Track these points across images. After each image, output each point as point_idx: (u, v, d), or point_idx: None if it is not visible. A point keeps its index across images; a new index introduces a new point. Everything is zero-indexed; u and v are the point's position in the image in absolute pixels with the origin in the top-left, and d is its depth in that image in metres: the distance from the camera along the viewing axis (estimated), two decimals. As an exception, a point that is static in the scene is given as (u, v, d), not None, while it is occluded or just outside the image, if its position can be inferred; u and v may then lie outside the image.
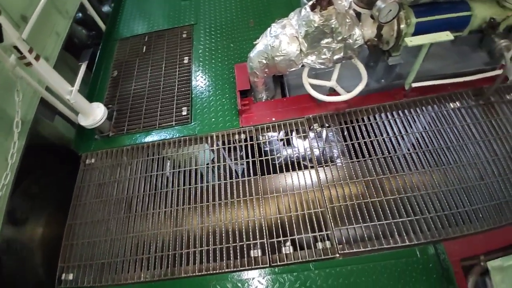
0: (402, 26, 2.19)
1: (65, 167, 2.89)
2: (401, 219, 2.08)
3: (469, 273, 1.95)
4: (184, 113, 2.85)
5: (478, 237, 2.01)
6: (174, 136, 2.72)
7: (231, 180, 2.38)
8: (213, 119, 2.76)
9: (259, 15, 3.55)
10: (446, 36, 2.11)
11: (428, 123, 2.51)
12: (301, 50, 2.29)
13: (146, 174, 2.55)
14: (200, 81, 3.07)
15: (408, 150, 2.39)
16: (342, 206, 2.17)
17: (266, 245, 2.10)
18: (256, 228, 2.17)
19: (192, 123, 2.77)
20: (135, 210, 2.39)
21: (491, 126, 2.41)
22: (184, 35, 3.51)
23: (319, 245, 2.07)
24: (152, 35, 3.58)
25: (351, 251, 2.02)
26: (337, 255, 2.02)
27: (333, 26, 2.12)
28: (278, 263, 2.03)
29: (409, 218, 2.08)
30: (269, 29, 2.41)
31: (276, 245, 2.14)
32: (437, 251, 1.96)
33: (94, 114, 2.65)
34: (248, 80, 2.73)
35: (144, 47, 3.47)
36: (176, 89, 3.03)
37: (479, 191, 2.16)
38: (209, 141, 2.65)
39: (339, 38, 2.21)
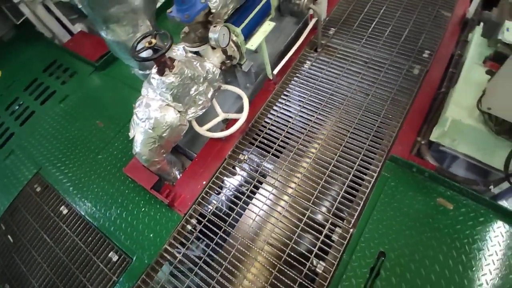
0: (235, 39, 2.38)
1: None
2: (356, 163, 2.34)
3: (421, 155, 2.39)
4: (115, 259, 2.30)
5: (402, 131, 2.47)
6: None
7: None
8: (151, 235, 2.33)
9: (100, 113, 3.18)
10: (269, 25, 2.44)
11: (303, 91, 2.86)
12: (179, 111, 2.19)
13: None
14: (104, 216, 2.53)
15: (317, 107, 2.67)
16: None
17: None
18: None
19: (134, 260, 2.26)
20: None
21: (339, 60, 2.97)
22: (38, 189, 2.81)
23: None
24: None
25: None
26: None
27: (190, 75, 2.11)
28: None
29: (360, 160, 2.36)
30: (134, 117, 2.20)
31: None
32: (397, 161, 2.31)
33: None
34: (150, 172, 2.43)
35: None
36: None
37: (373, 104, 2.65)
38: (167, 258, 2.23)
39: (201, 80, 2.23)
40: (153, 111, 2.10)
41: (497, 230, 2.01)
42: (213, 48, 2.25)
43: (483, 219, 2.06)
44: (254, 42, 2.35)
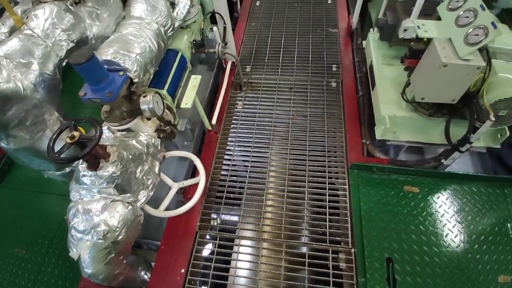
0: (164, 102, 2.17)
1: None
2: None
3: (370, 154, 2.56)
4: None
5: (349, 139, 2.63)
6: None
7: None
8: None
9: (16, 237, 2.41)
10: (195, 79, 2.32)
11: (247, 131, 2.80)
12: (130, 203, 1.81)
13: None
14: None
15: (268, 142, 2.62)
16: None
17: None
18: None
19: None
20: None
21: (266, 92, 3.04)
22: None
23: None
24: None
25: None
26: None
27: (130, 156, 1.78)
28: None
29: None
30: (72, 232, 1.70)
31: None
32: (358, 167, 2.41)
33: None
34: (112, 289, 1.90)
35: None
36: None
37: (314, 122, 2.77)
38: None
39: (144, 157, 1.91)
40: (98, 216, 1.66)
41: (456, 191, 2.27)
42: (148, 119, 1.98)
43: (443, 189, 2.30)
44: (188, 100, 2.19)
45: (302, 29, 3.66)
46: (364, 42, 2.99)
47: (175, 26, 2.36)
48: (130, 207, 1.79)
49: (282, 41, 3.54)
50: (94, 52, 1.64)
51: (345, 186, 2.36)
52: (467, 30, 1.64)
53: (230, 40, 3.00)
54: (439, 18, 2.12)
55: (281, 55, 3.38)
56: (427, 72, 1.85)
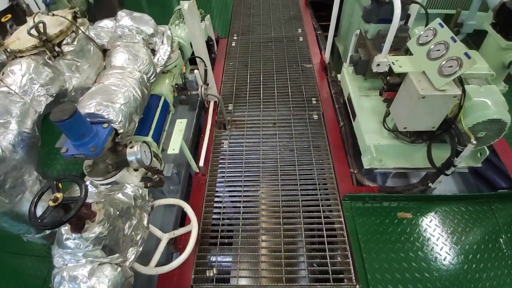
0: (152, 150, 2.10)
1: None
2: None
3: (359, 182, 2.58)
4: None
5: (337, 170, 2.65)
6: None
7: None
8: None
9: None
10: (181, 123, 2.29)
11: (236, 170, 2.76)
12: (119, 264, 1.65)
13: None
14: None
15: (258, 180, 2.57)
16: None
17: None
18: None
19: None
20: None
21: (250, 129, 3.06)
22: None
23: None
24: None
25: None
26: None
27: (118, 213, 1.66)
28: None
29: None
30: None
31: None
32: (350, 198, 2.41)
33: None
34: None
35: None
36: None
37: (301, 156, 2.79)
38: None
39: (132, 211, 1.79)
40: (85, 283, 1.49)
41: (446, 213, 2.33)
42: (135, 170, 1.89)
43: (434, 211, 2.35)
44: (175, 146, 2.14)
45: (279, 66, 3.81)
46: (338, 75, 3.15)
47: (157, 72, 2.37)
48: (119, 268, 1.63)
49: (261, 78, 3.65)
50: (76, 105, 1.58)
51: (340, 219, 2.33)
52: (440, 63, 1.77)
53: (211, 81, 3.04)
54: (407, 50, 2.30)
55: (261, 92, 3.46)
56: (406, 103, 1.95)
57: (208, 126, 2.95)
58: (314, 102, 3.31)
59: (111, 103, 1.77)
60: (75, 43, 1.90)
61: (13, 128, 1.51)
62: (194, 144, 3.05)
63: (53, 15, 1.89)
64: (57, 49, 1.83)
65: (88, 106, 1.71)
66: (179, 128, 2.24)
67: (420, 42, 2.01)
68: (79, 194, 1.43)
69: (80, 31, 1.95)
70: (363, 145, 2.46)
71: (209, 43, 3.74)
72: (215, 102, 3.16)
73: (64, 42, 1.88)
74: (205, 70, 2.88)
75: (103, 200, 1.67)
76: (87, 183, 1.86)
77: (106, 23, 2.44)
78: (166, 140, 2.45)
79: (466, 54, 1.69)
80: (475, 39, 2.89)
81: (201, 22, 3.39)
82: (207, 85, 2.94)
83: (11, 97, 1.59)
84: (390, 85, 2.10)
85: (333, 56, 4.25)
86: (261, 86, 3.54)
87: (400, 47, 2.39)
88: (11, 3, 3.96)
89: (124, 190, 1.85)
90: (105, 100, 1.76)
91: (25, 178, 1.52)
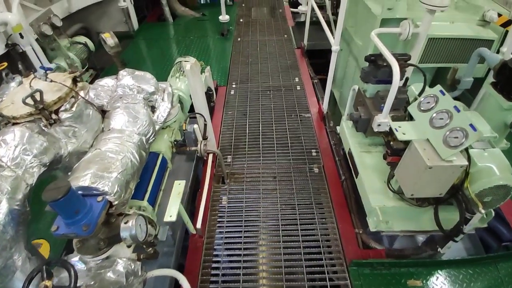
0: (145, 215, 1.98)
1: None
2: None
3: (365, 244, 2.46)
4: None
5: (341, 230, 2.54)
6: None
7: None
8: None
9: None
10: (179, 185, 2.20)
11: (235, 229, 2.63)
12: None
13: None
14: None
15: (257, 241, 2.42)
16: None
17: None
18: None
19: None
20: None
21: (250, 184, 2.97)
22: None
23: None
24: None
25: None
26: None
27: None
28: None
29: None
30: None
31: None
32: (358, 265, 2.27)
33: None
34: None
35: None
36: None
37: (303, 214, 2.68)
38: None
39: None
40: None
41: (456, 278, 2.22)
42: (129, 246, 1.76)
43: (444, 277, 2.22)
44: (172, 212, 2.03)
45: (278, 115, 3.84)
46: (337, 127, 3.15)
47: (156, 131, 2.32)
48: None
49: (260, 127, 3.64)
50: (70, 180, 1.49)
51: (348, 288, 2.18)
52: (445, 132, 1.76)
53: (211, 134, 3.00)
54: (406, 109, 2.31)
55: (260, 142, 3.43)
56: (412, 172, 1.91)
57: (206, 181, 2.85)
58: (314, 154, 3.28)
59: (107, 173, 1.68)
60: (73, 109, 1.86)
61: (3, 207, 1.41)
62: (191, 197, 2.93)
63: (51, 81, 1.86)
64: (54, 116, 1.78)
65: (83, 177, 1.62)
66: (177, 191, 2.14)
67: (422, 108, 2.02)
68: (68, 283, 1.32)
69: (79, 96, 1.92)
70: (368, 206, 2.38)
71: (208, 93, 3.77)
72: (213, 154, 3.10)
73: (62, 108, 1.83)
74: (205, 125, 2.85)
75: (92, 283, 1.53)
76: (77, 258, 1.72)
77: (107, 81, 2.42)
78: (163, 200, 2.33)
79: (471, 126, 1.69)
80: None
81: (201, 73, 3.44)
82: (206, 138, 2.90)
83: (2, 172, 1.50)
84: (394, 150, 2.08)
85: (330, 102, 4.32)
86: (260, 136, 3.52)
87: (399, 107, 2.42)
88: (7, 49, 3.92)
89: (115, 266, 1.70)
90: (101, 170, 1.68)
91: (15, 258, 1.40)
